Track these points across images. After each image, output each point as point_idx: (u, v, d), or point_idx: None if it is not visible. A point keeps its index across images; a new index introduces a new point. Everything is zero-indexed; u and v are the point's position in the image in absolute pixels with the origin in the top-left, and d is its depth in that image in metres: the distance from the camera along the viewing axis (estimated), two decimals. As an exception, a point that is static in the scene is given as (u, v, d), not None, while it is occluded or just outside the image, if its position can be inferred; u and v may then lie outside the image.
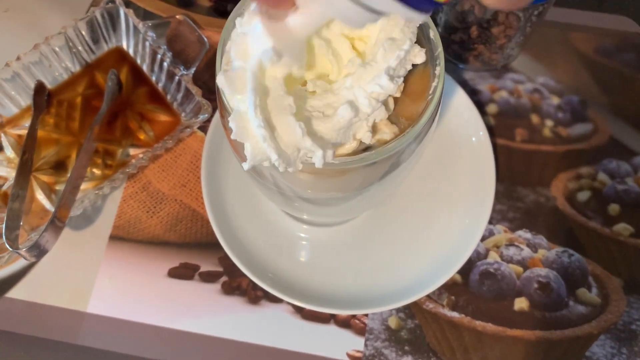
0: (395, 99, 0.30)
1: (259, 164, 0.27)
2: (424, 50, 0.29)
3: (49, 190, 0.45)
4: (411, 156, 0.34)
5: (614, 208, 0.46)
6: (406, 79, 0.30)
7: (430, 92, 0.30)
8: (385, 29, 0.29)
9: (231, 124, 0.26)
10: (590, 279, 0.44)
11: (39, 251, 0.39)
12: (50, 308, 0.43)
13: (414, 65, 0.29)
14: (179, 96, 0.46)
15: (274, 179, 0.36)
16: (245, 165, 0.27)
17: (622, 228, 0.45)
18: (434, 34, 0.31)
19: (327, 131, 0.28)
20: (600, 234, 0.45)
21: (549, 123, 0.48)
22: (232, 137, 0.26)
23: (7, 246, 0.39)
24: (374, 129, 0.30)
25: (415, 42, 0.29)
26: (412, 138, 0.29)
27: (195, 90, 0.45)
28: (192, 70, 0.46)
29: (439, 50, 0.30)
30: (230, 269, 0.44)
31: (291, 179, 0.34)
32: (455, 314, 0.43)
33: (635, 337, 0.43)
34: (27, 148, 0.44)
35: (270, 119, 0.26)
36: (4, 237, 0.39)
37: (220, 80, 0.27)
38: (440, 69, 0.30)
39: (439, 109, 0.33)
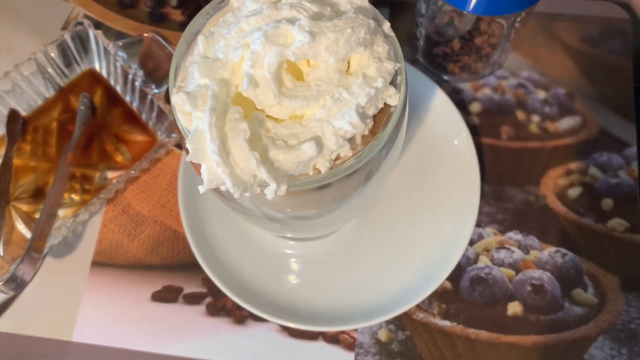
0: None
1: (215, 187, 0.26)
2: (398, 93, 0.28)
3: (28, 219, 0.45)
4: (382, 166, 0.33)
5: (607, 203, 0.44)
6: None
7: (393, 105, 0.29)
8: (361, 64, 0.28)
9: (188, 145, 0.25)
10: (586, 279, 0.43)
11: (16, 284, 0.39)
12: (34, 339, 0.42)
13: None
14: (153, 115, 0.46)
15: (252, 205, 0.35)
16: (201, 189, 0.26)
17: (617, 223, 0.44)
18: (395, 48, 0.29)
19: (286, 162, 0.27)
20: (594, 230, 0.44)
21: (536, 118, 0.47)
22: (188, 159, 0.25)
23: (-18, 281, 0.38)
24: (337, 158, 0.28)
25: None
26: (368, 157, 0.28)
27: (167, 108, 0.44)
28: (164, 88, 0.45)
29: (400, 65, 0.29)
30: (214, 289, 0.43)
31: (262, 202, 0.33)
32: (447, 323, 0.42)
33: (635, 337, 0.41)
34: (2, 178, 0.44)
35: (226, 142, 0.25)
36: (-21, 272, 0.39)
37: (180, 97, 0.26)
38: (401, 78, 0.29)
39: (405, 118, 0.31)
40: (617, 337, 0.41)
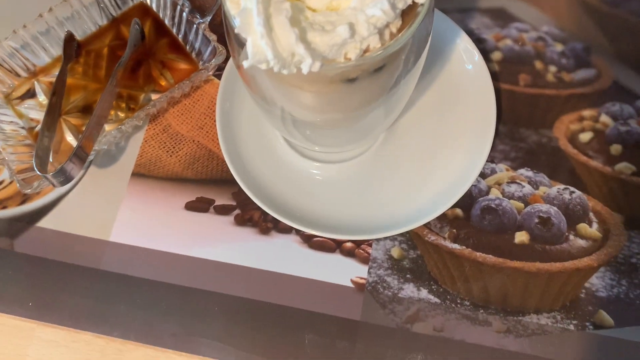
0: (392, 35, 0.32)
1: (257, 64, 0.30)
2: None
3: (77, 132, 0.49)
4: (406, 76, 0.36)
5: (616, 148, 0.47)
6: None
7: (420, 6, 0.32)
8: None
9: (237, 19, 0.29)
10: (591, 215, 0.45)
11: (64, 177, 0.43)
12: (76, 237, 0.46)
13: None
14: (197, 44, 0.49)
15: (280, 108, 0.39)
16: (246, 63, 0.30)
17: (624, 167, 0.46)
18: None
19: (321, 44, 0.30)
20: (602, 172, 0.46)
21: (553, 69, 0.50)
22: (236, 31, 0.29)
23: (37, 170, 0.42)
24: (366, 50, 0.32)
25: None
26: (395, 48, 0.31)
27: (212, 37, 0.48)
28: (209, 18, 0.49)
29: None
30: (243, 202, 0.46)
31: (294, 99, 0.37)
32: (456, 246, 0.44)
33: (635, 270, 0.43)
34: (57, 90, 0.48)
35: (270, 19, 0.29)
36: (33, 163, 0.43)
37: None
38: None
39: (432, 22, 0.35)
40: (618, 269, 0.43)
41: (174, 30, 0.51)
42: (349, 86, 0.34)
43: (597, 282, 0.43)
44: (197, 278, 0.44)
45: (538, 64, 0.50)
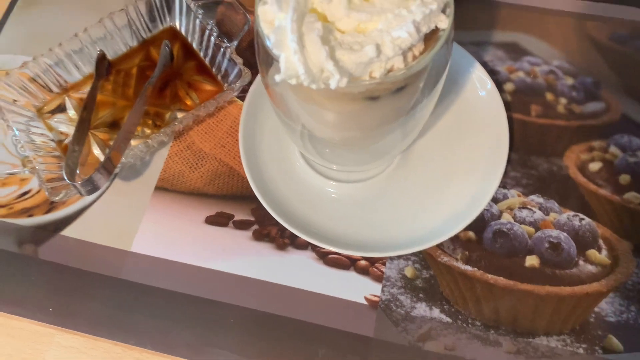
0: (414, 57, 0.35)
1: (288, 79, 0.32)
2: (448, 18, 0.34)
3: (104, 146, 0.51)
4: (424, 100, 0.38)
5: (624, 178, 0.48)
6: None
7: (441, 32, 0.34)
8: None
9: (272, 36, 0.31)
10: (601, 242, 0.46)
11: (92, 186, 0.44)
12: (98, 246, 0.48)
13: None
14: (223, 67, 0.52)
15: (302, 125, 0.40)
16: (278, 77, 0.31)
17: (633, 196, 0.48)
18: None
19: (349, 62, 0.32)
20: (611, 200, 0.47)
21: (563, 101, 0.52)
22: (271, 46, 0.31)
23: (65, 179, 0.44)
24: (390, 70, 0.34)
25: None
26: (417, 68, 0.33)
27: (238, 60, 0.50)
28: (235, 42, 0.51)
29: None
30: (261, 218, 0.48)
31: (318, 117, 0.39)
32: (468, 267, 0.46)
33: (643, 296, 0.44)
34: (87, 105, 0.50)
35: (303, 37, 0.31)
36: (63, 172, 0.45)
37: (270, 1, 0.32)
38: (449, 11, 0.34)
39: (451, 49, 0.37)
40: (627, 295, 0.44)
41: (202, 53, 0.54)
42: (371, 104, 0.35)
43: (607, 307, 0.44)
44: (214, 290, 0.46)
45: (549, 96, 0.52)
